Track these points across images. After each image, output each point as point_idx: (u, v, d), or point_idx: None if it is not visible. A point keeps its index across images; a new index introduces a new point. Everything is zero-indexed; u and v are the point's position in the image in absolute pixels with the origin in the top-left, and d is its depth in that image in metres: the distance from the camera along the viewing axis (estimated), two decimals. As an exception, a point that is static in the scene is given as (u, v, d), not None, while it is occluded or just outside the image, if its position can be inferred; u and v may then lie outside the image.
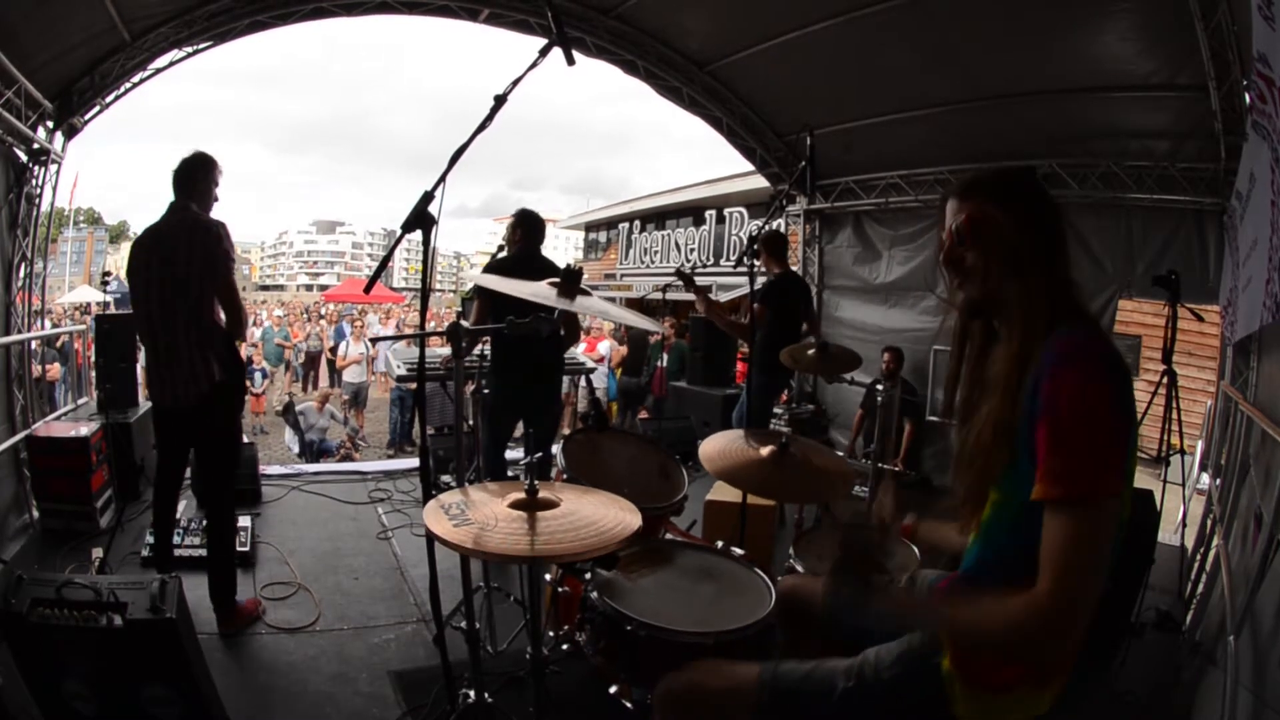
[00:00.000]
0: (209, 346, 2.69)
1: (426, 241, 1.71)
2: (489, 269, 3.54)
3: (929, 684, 1.22)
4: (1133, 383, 1.13)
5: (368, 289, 2.79)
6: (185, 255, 2.63)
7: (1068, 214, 1.28)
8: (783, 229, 7.64)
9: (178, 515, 3.56)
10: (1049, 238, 1.21)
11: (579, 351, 8.01)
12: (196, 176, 2.74)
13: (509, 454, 4.26)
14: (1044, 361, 1.10)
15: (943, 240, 1.28)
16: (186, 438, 2.86)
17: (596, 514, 1.60)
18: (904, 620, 1.27)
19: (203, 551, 3.36)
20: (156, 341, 2.70)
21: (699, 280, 3.88)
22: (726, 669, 1.39)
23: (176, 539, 3.34)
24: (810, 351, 3.66)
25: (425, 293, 1.96)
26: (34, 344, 4.34)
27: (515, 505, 1.60)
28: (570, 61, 1.84)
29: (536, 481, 1.63)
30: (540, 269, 3.21)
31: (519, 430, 3.96)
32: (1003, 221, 1.22)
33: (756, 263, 3.72)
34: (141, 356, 3.20)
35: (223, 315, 2.79)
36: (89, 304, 15.95)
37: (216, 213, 2.81)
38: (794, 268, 6.65)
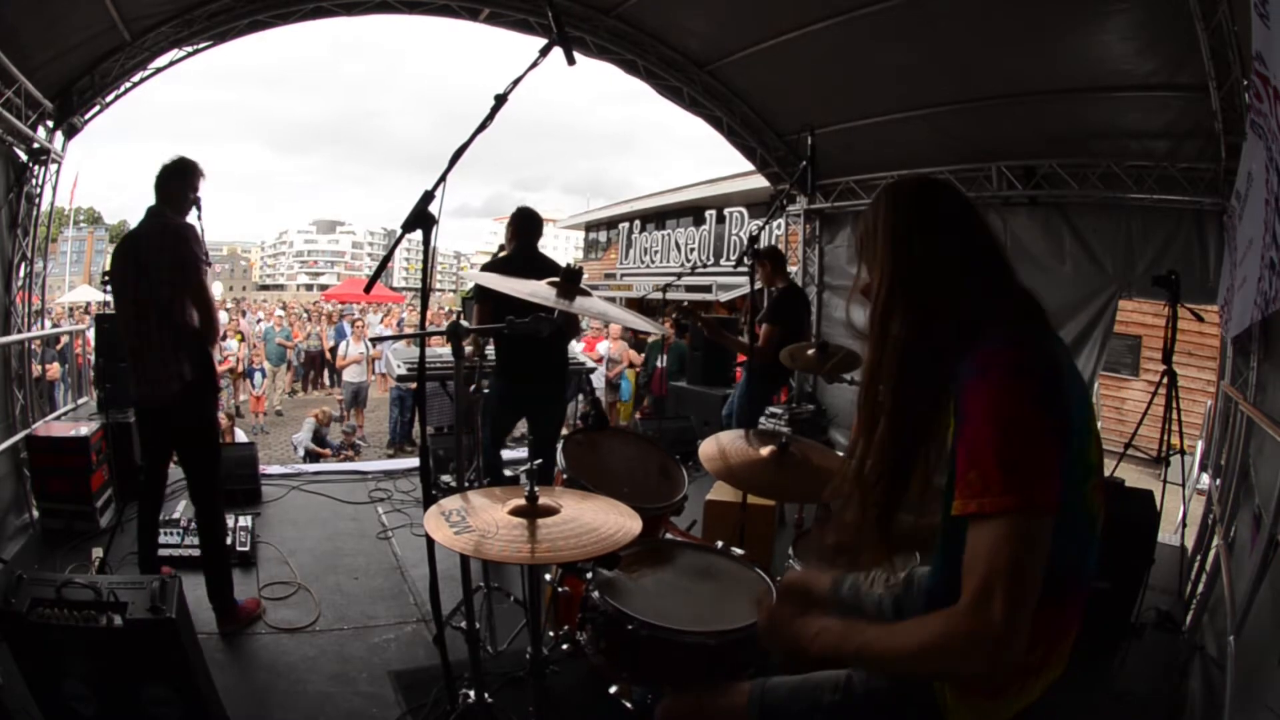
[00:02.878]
0: (180, 347, 2.72)
1: (427, 241, 1.71)
2: (487, 270, 3.53)
3: (919, 694, 1.20)
4: (1072, 375, 1.09)
5: (368, 289, 2.80)
6: (156, 259, 2.68)
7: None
8: (783, 228, 7.65)
9: (177, 515, 3.58)
10: (936, 255, 1.15)
11: (578, 351, 8.01)
12: (172, 183, 2.77)
13: (510, 454, 4.25)
14: (961, 376, 1.07)
15: None
16: (166, 437, 2.90)
17: (597, 520, 1.61)
18: (839, 663, 1.22)
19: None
20: (132, 341, 2.77)
21: (698, 280, 3.91)
22: (722, 690, 1.40)
23: (176, 539, 3.35)
24: (810, 351, 3.66)
25: (425, 292, 1.96)
26: (34, 344, 4.34)
27: (515, 512, 1.59)
28: (570, 61, 1.83)
29: (537, 488, 1.63)
30: (540, 268, 3.20)
31: (520, 429, 3.96)
32: (884, 239, 1.19)
33: (750, 263, 3.74)
34: None
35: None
36: (89, 303, 15.96)
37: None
38: (794, 267, 6.67)
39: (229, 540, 3.45)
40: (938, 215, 1.19)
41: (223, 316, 12.78)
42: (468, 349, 3.16)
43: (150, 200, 2.77)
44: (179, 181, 2.78)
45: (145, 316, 2.70)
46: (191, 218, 2.83)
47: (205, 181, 2.85)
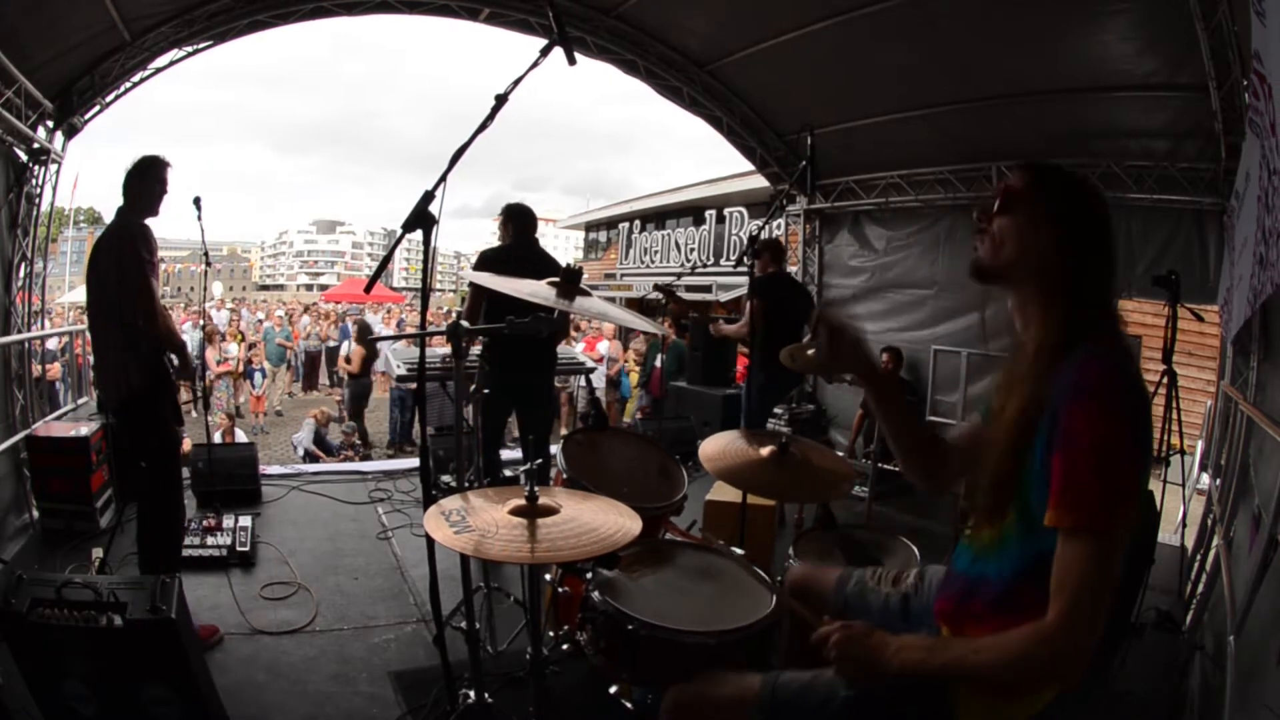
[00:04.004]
0: (130, 351, 2.67)
1: (427, 241, 1.71)
2: (482, 260, 3.51)
3: (931, 691, 1.21)
4: (1151, 406, 1.13)
5: (368, 289, 2.79)
6: (106, 260, 2.69)
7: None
8: (783, 228, 7.65)
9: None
10: (1086, 255, 1.20)
11: (579, 351, 8.01)
12: (132, 184, 2.75)
13: (507, 454, 4.25)
14: (1064, 383, 1.08)
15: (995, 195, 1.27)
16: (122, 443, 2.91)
17: (596, 520, 1.61)
18: (916, 677, 1.22)
19: (203, 551, 3.37)
20: (93, 343, 2.81)
21: (698, 280, 3.90)
22: (731, 681, 1.39)
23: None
24: (810, 351, 3.66)
25: (425, 292, 1.96)
26: (34, 344, 4.34)
27: (515, 512, 1.60)
28: (571, 61, 1.83)
29: (537, 488, 1.63)
30: (537, 262, 3.20)
31: (518, 429, 3.96)
32: (1048, 218, 1.21)
33: (755, 263, 3.74)
34: None
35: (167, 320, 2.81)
36: (89, 304, 15.91)
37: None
38: (794, 267, 6.67)
39: (229, 541, 3.46)
40: (1083, 215, 1.22)
41: (223, 317, 12.79)
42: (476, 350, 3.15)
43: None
44: (139, 181, 2.74)
45: (103, 316, 2.73)
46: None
47: (172, 170, 2.79)
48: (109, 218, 2.85)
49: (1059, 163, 1.34)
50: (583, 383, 7.33)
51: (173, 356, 2.81)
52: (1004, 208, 1.25)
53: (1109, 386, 1.07)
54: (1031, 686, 1.17)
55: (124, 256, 2.65)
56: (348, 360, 9.82)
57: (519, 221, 3.58)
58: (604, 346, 9.77)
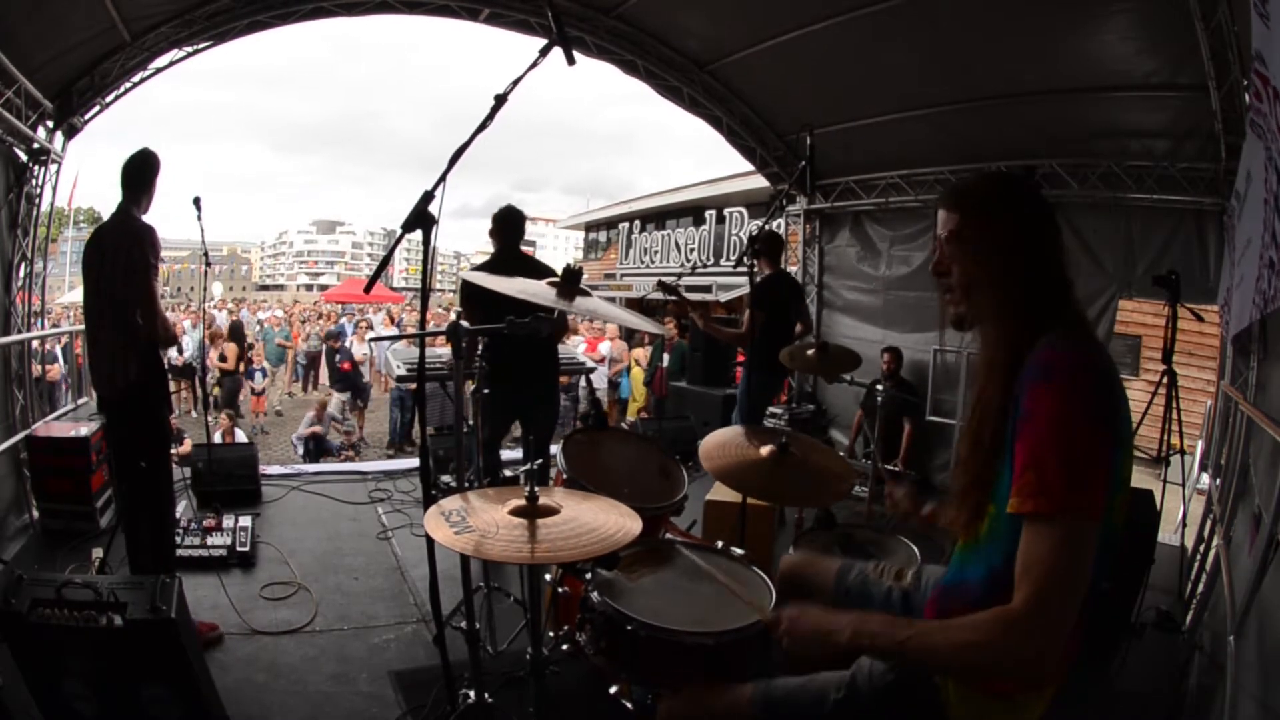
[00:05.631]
0: (130, 346, 2.71)
1: (426, 241, 1.71)
2: (469, 283, 3.50)
3: (923, 690, 1.21)
4: (1122, 391, 1.11)
5: (367, 289, 2.79)
6: (112, 258, 2.70)
7: (1068, 213, 1.28)
8: (783, 229, 7.64)
9: (177, 515, 3.55)
10: (1030, 245, 1.20)
11: (579, 351, 8.02)
12: (138, 178, 2.76)
13: (507, 454, 4.24)
14: (1026, 374, 1.09)
15: (934, 250, 1.30)
16: (118, 435, 2.89)
17: (597, 520, 1.60)
18: (869, 653, 1.21)
19: (202, 551, 3.38)
20: (89, 334, 2.86)
21: (698, 280, 3.89)
22: (723, 690, 1.40)
23: (175, 539, 3.33)
24: (810, 351, 3.66)
25: (425, 293, 1.96)
26: (34, 344, 4.34)
27: (515, 512, 1.59)
28: (570, 61, 1.83)
29: (537, 488, 1.63)
30: (527, 270, 3.19)
31: (518, 429, 3.95)
32: (980, 233, 1.23)
33: (755, 264, 3.73)
34: None
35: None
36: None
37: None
38: (794, 267, 6.67)
39: (229, 541, 3.46)
40: (1032, 216, 1.23)
41: (222, 318, 12.79)
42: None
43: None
44: (143, 176, 2.76)
45: (101, 311, 2.75)
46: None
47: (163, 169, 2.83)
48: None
49: (979, 171, 1.36)
50: (583, 383, 7.34)
51: (170, 354, 2.88)
52: (949, 253, 1.27)
53: (1067, 368, 1.07)
54: (993, 678, 1.13)
55: (133, 261, 2.67)
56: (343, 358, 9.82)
57: (500, 225, 3.55)
58: (605, 347, 9.77)
